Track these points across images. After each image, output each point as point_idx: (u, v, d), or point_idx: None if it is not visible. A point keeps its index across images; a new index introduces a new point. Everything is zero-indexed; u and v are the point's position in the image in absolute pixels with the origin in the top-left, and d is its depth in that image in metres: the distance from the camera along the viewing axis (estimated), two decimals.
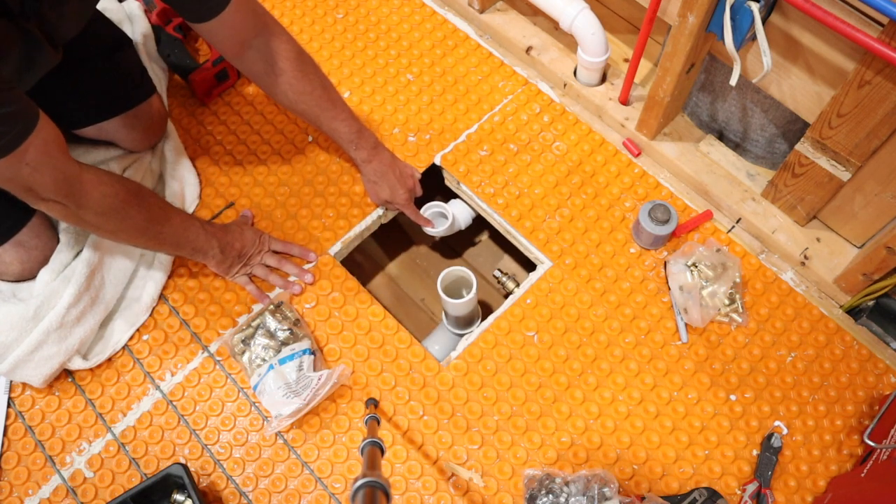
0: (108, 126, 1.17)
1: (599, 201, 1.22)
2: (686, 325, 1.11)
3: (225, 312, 1.15)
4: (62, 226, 1.12)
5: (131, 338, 1.14)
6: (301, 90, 1.07)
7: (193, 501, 0.97)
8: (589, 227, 1.20)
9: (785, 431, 1.05)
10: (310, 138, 1.31)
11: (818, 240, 1.15)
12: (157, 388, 1.10)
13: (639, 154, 1.26)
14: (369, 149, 1.16)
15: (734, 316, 1.11)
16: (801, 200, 1.11)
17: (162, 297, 1.16)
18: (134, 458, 1.06)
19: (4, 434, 1.08)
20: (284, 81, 1.06)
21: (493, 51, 1.38)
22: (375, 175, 1.19)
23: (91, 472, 1.05)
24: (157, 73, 1.32)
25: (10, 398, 1.10)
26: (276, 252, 1.18)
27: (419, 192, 1.25)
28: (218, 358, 1.12)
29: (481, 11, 1.39)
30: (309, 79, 1.07)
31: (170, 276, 1.18)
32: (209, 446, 1.06)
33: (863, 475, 0.94)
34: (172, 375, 1.11)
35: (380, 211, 1.24)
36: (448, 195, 1.33)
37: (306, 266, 1.18)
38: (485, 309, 1.34)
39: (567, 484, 0.97)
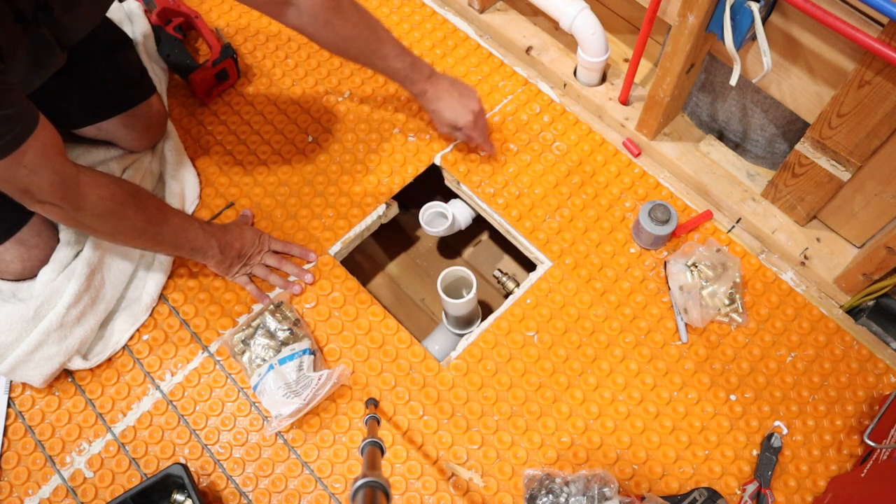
0: (108, 126, 1.17)
1: (599, 201, 1.22)
2: (686, 325, 1.11)
3: (225, 312, 1.15)
4: (62, 225, 1.12)
5: (131, 338, 1.14)
6: (347, 36, 1.07)
7: (193, 501, 0.97)
8: (589, 227, 1.20)
9: (785, 431, 1.05)
10: (310, 138, 1.31)
11: (818, 240, 1.15)
12: (157, 388, 1.10)
13: (639, 154, 1.26)
14: (424, 80, 1.14)
15: (734, 316, 1.11)
16: (801, 200, 1.11)
17: (162, 297, 1.16)
18: (134, 458, 1.06)
19: (4, 434, 1.08)
20: (330, 31, 1.06)
21: (493, 51, 1.38)
22: (433, 103, 1.16)
23: (91, 472, 1.05)
24: (157, 73, 1.32)
25: (10, 398, 1.10)
26: (276, 252, 1.18)
27: (482, 111, 1.20)
28: (218, 358, 1.12)
29: (481, 11, 1.39)
30: (353, 23, 1.06)
31: (170, 276, 1.18)
32: (209, 446, 1.06)
33: (863, 475, 0.94)
34: (172, 375, 1.11)
35: (380, 210, 1.24)
36: (448, 195, 1.33)
37: (306, 266, 1.18)
38: (485, 309, 1.34)
39: (567, 484, 0.97)
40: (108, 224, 0.95)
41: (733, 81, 0.97)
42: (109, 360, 1.12)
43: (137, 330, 1.14)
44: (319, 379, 1.03)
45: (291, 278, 1.17)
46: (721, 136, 1.24)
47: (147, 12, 1.38)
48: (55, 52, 0.91)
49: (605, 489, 0.95)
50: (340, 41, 1.07)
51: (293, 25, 1.06)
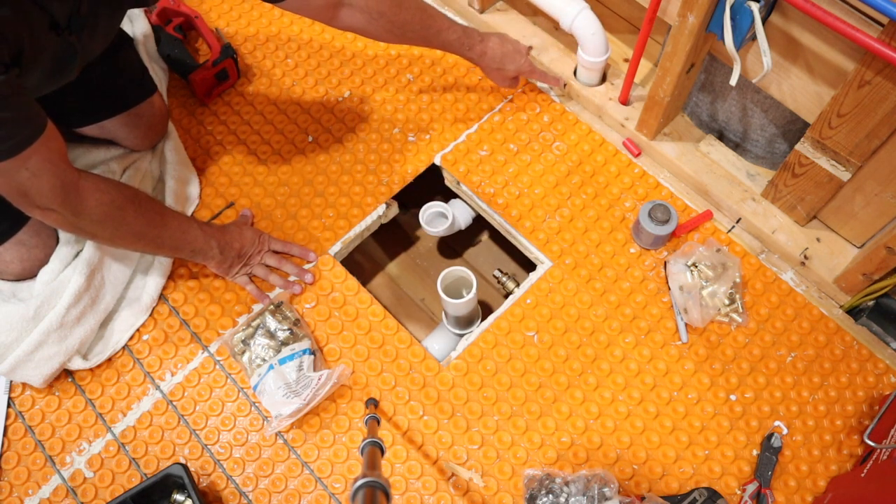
0: (110, 125, 1.17)
1: (599, 201, 1.22)
2: (686, 325, 1.11)
3: (225, 312, 1.15)
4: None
5: (131, 338, 1.14)
6: (403, 22, 1.08)
7: (193, 501, 0.97)
8: (589, 227, 1.20)
9: (785, 431, 1.05)
10: (310, 138, 1.31)
11: (818, 240, 1.15)
12: (157, 388, 1.10)
13: (639, 154, 1.26)
14: (479, 43, 1.17)
15: (734, 316, 1.11)
16: (801, 200, 1.11)
17: (162, 297, 1.16)
18: (134, 458, 1.06)
19: (4, 434, 1.08)
20: (387, 21, 1.07)
21: None
22: (494, 62, 1.20)
23: (91, 472, 1.05)
24: (158, 73, 1.32)
25: (10, 398, 1.10)
26: (276, 252, 1.18)
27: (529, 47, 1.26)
28: (218, 358, 1.12)
29: (481, 11, 1.39)
30: (405, 7, 1.08)
31: (170, 277, 1.18)
32: (209, 446, 1.06)
33: (863, 475, 0.94)
34: (172, 375, 1.11)
35: (380, 210, 1.24)
36: (448, 195, 1.33)
37: (306, 266, 1.18)
38: (485, 309, 1.34)
39: (567, 484, 0.97)
40: (107, 229, 0.95)
41: (733, 81, 0.97)
42: (109, 360, 1.12)
43: (137, 330, 1.14)
44: (319, 379, 1.03)
45: (291, 278, 1.17)
46: (721, 136, 1.24)
47: (147, 12, 1.38)
48: (75, 64, 0.92)
49: (605, 489, 0.95)
50: (396, 28, 1.08)
51: (347, 26, 1.07)
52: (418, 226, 1.30)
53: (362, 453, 0.74)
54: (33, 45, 0.80)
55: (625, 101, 1.26)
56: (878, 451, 0.95)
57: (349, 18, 1.05)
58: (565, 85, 1.30)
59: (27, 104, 0.81)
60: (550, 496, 0.97)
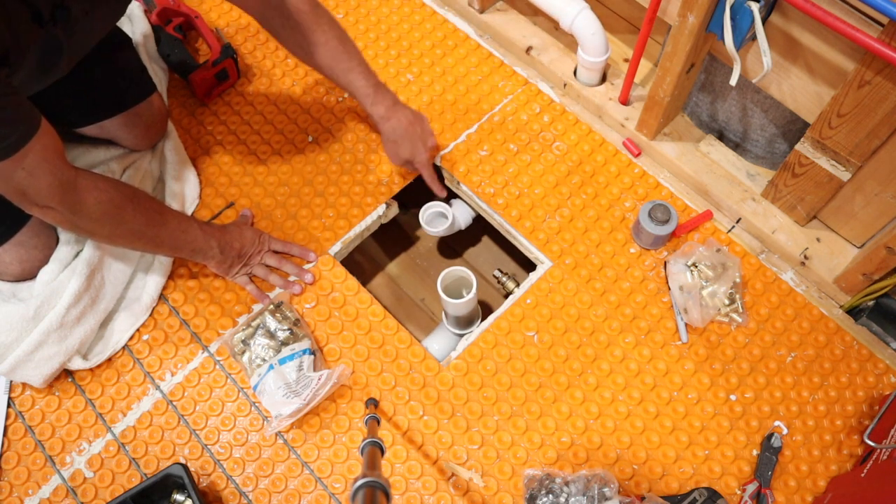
0: (109, 124, 1.17)
1: (599, 201, 1.22)
2: (686, 325, 1.11)
3: (225, 312, 1.15)
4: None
5: (131, 338, 1.14)
6: (315, 42, 1.06)
7: (193, 501, 0.97)
8: (589, 227, 1.20)
9: (785, 431, 1.05)
10: (310, 138, 1.31)
11: (818, 240, 1.15)
12: (157, 388, 1.10)
13: (639, 154, 1.26)
14: (388, 105, 1.12)
15: (734, 316, 1.11)
16: (801, 200, 1.11)
17: (162, 297, 1.16)
18: (134, 458, 1.06)
19: (4, 434, 1.08)
20: (299, 34, 1.06)
21: (493, 51, 1.38)
22: (395, 133, 1.14)
23: (91, 472, 1.05)
24: (157, 73, 1.32)
25: (10, 398, 1.10)
26: (276, 252, 1.18)
27: (438, 146, 1.21)
28: (218, 358, 1.12)
29: (481, 11, 1.39)
30: (322, 30, 1.06)
31: (170, 277, 1.18)
32: (209, 446, 1.06)
33: (863, 475, 0.94)
34: (172, 375, 1.11)
35: (380, 210, 1.24)
36: (448, 195, 1.33)
37: (306, 266, 1.18)
38: (485, 309, 1.34)
39: (567, 484, 0.97)
40: (105, 227, 0.95)
41: (733, 81, 0.97)
42: (109, 360, 1.12)
43: (137, 330, 1.14)
44: (319, 379, 1.03)
45: (291, 278, 1.17)
46: (721, 136, 1.24)
47: (147, 12, 1.38)
48: (63, 59, 0.91)
49: (605, 489, 0.95)
50: (307, 45, 1.07)
51: (269, 27, 1.07)
52: (418, 226, 1.30)
53: (362, 453, 0.74)
54: (17, 42, 0.79)
55: (625, 101, 1.27)
56: (878, 451, 0.95)
57: (271, 19, 1.05)
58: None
59: (19, 103, 0.81)
60: (550, 496, 0.97)
